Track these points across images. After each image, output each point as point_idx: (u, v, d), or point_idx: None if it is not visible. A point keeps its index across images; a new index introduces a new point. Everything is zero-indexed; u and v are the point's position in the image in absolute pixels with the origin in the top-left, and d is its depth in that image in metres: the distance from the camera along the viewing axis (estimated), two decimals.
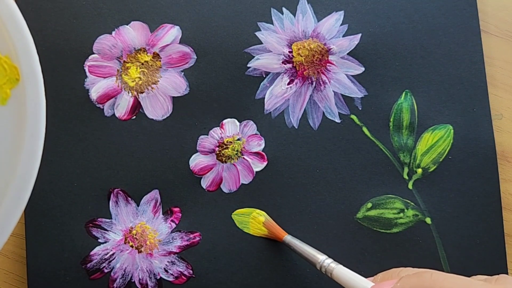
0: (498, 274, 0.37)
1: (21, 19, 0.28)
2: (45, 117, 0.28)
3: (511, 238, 0.37)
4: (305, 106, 0.37)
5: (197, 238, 0.36)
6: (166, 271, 0.36)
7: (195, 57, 0.37)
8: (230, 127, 0.37)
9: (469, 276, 0.36)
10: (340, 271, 0.31)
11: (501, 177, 0.38)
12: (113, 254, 0.36)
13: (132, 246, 0.36)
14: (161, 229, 0.36)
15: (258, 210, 0.36)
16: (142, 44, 0.37)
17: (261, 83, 0.37)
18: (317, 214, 0.37)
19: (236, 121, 0.37)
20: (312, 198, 0.37)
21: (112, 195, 0.36)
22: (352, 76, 0.38)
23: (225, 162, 0.37)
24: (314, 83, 0.37)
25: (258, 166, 0.37)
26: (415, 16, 0.38)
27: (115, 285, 0.35)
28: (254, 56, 0.37)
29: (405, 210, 0.37)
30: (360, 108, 0.38)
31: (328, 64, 0.38)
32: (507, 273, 0.37)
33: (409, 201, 0.37)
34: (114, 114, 0.37)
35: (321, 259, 0.32)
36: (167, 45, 0.37)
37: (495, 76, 0.39)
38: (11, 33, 0.28)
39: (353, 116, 0.37)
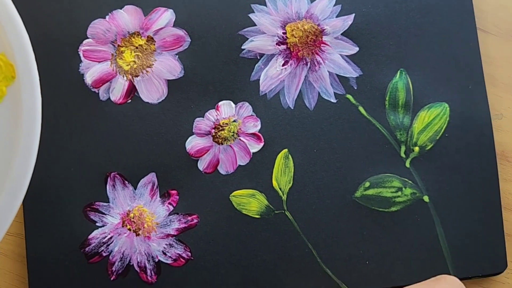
0: (496, 250, 0.37)
1: (17, 16, 0.28)
2: (41, 115, 0.28)
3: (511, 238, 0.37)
4: (300, 87, 0.37)
5: (195, 221, 0.36)
6: (164, 253, 0.36)
7: (189, 40, 0.37)
8: (226, 109, 0.37)
9: (469, 256, 0.36)
10: None
11: (501, 177, 0.38)
12: (111, 237, 0.36)
13: (130, 229, 0.36)
14: (158, 212, 0.36)
15: None
16: (136, 28, 0.37)
17: (256, 65, 0.37)
18: (315, 194, 0.37)
19: (231, 103, 0.37)
20: (309, 178, 0.37)
21: (109, 179, 0.36)
22: (347, 56, 0.38)
23: (222, 143, 0.37)
24: (308, 64, 0.37)
25: (255, 147, 0.37)
26: None
27: (113, 268, 0.35)
28: (248, 38, 0.37)
29: (403, 188, 0.37)
30: (356, 88, 0.38)
31: (322, 45, 0.38)
32: (505, 251, 0.37)
33: (406, 180, 0.37)
34: (109, 98, 0.37)
35: None
36: (161, 28, 0.37)
37: (495, 76, 0.39)
38: (6, 30, 0.28)
39: (348, 96, 0.38)
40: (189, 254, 0.36)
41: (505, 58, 0.39)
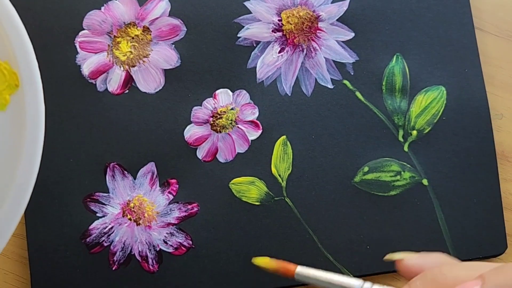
0: (496, 232, 0.37)
1: (20, 24, 0.28)
2: (44, 123, 0.28)
3: None
4: (297, 74, 0.37)
5: (195, 209, 0.36)
6: (166, 242, 0.36)
7: (185, 29, 0.37)
8: (223, 97, 0.37)
9: (469, 239, 0.36)
10: None
11: (501, 177, 0.38)
12: (111, 227, 0.36)
13: (130, 219, 0.36)
14: (158, 201, 0.36)
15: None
16: (132, 18, 0.37)
17: (252, 53, 0.37)
18: (314, 180, 0.37)
19: (229, 91, 0.37)
20: (308, 164, 0.37)
21: (108, 169, 0.36)
22: (343, 42, 0.38)
23: (220, 132, 0.37)
24: (305, 50, 0.38)
25: (253, 134, 0.37)
26: None
27: (115, 258, 0.35)
28: (244, 26, 0.37)
29: (402, 172, 0.37)
30: (352, 73, 0.38)
31: (318, 31, 0.38)
32: (504, 233, 0.37)
33: (405, 163, 0.37)
34: (107, 89, 0.37)
35: (357, 284, 0.24)
36: (157, 18, 0.37)
37: (495, 76, 0.39)
38: (11, 38, 0.28)
39: (345, 82, 0.38)
40: (190, 242, 0.36)
41: (505, 58, 0.39)
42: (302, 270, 0.26)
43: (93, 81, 0.37)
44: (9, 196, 0.28)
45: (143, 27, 0.37)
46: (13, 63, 0.28)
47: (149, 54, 0.37)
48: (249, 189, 0.36)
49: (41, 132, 0.28)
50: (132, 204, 0.36)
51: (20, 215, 0.28)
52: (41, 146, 0.28)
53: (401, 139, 0.37)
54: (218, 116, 0.37)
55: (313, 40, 0.38)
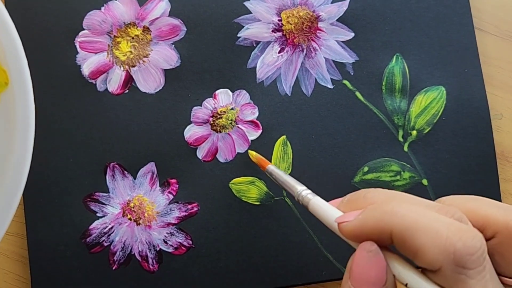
0: None
1: (9, 21, 0.28)
2: (34, 121, 0.28)
3: None
4: (297, 74, 0.37)
5: (195, 209, 0.36)
6: (166, 242, 0.36)
7: (185, 29, 0.37)
8: (223, 97, 0.37)
9: None
10: (315, 203, 0.27)
11: (501, 177, 0.38)
12: (112, 227, 0.36)
13: (130, 219, 0.36)
14: (158, 201, 0.36)
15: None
16: (132, 18, 0.37)
17: (252, 53, 0.37)
18: (314, 180, 0.37)
19: (228, 91, 0.37)
20: (308, 164, 0.37)
21: (108, 169, 0.36)
22: (343, 42, 0.38)
23: (220, 131, 0.37)
24: (305, 50, 0.38)
25: (253, 134, 0.37)
26: None
27: (115, 258, 0.35)
28: (243, 26, 0.37)
29: (402, 172, 0.37)
30: (352, 73, 0.38)
31: (318, 31, 0.38)
32: None
33: (405, 164, 0.37)
34: (107, 89, 0.37)
35: (299, 189, 0.28)
36: (157, 18, 0.37)
37: (494, 76, 0.39)
38: (0, 36, 0.28)
39: (345, 82, 0.38)
40: (190, 242, 0.36)
41: (505, 59, 0.39)
42: (271, 168, 0.33)
43: (93, 81, 0.37)
44: (0, 194, 0.28)
45: (143, 27, 0.37)
46: (2, 61, 0.28)
47: (149, 54, 0.37)
48: (249, 189, 0.36)
49: (31, 129, 0.28)
50: (132, 204, 0.36)
51: (12, 213, 0.28)
52: (32, 144, 0.28)
53: (401, 139, 0.37)
54: (218, 116, 0.37)
55: (313, 40, 0.38)
